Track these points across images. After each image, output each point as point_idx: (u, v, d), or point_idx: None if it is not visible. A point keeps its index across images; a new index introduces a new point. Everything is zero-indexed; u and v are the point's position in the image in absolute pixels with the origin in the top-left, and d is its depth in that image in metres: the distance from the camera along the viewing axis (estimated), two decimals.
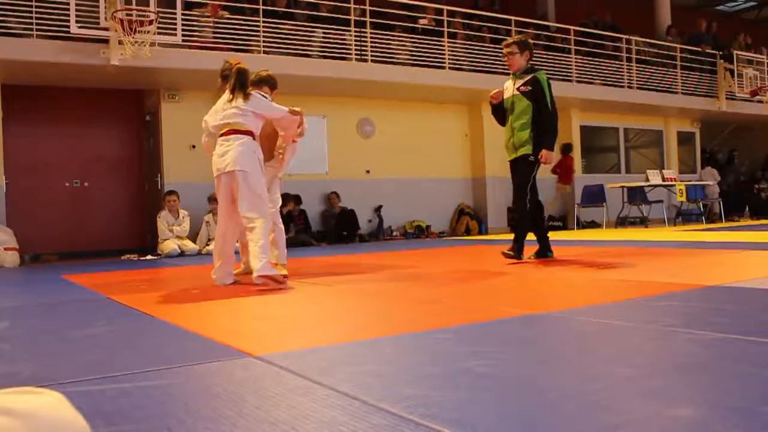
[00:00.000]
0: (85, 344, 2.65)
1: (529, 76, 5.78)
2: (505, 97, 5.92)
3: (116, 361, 2.29)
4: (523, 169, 5.84)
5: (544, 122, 5.72)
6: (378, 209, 12.07)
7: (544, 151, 5.72)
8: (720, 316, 2.69)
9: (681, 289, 3.57)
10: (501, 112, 6.03)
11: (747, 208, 16.12)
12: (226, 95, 4.82)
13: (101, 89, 10.56)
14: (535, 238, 5.93)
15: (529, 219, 5.83)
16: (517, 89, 5.80)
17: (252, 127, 4.75)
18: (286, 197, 10.21)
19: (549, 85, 5.76)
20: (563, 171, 13.58)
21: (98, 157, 11.09)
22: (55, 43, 8.61)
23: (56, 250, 10.12)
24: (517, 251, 5.73)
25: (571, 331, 2.58)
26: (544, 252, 5.91)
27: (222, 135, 4.76)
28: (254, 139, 4.75)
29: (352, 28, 10.93)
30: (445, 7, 11.91)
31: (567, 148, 13.79)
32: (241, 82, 4.76)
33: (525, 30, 13.07)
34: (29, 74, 9.40)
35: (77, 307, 4.00)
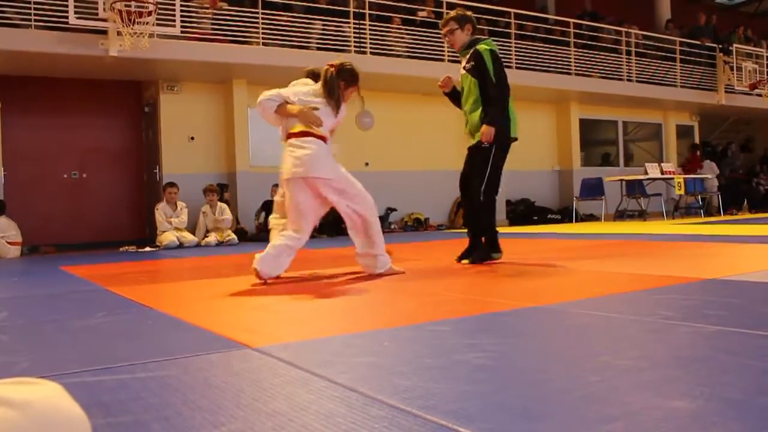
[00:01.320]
0: (84, 335, 2.65)
1: (470, 51, 5.17)
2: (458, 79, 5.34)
3: (115, 352, 2.29)
4: (473, 159, 5.21)
5: (488, 97, 5.03)
6: (389, 210, 12.06)
7: (483, 127, 5.01)
8: (718, 309, 2.69)
9: (679, 282, 3.57)
10: (456, 98, 5.48)
11: (745, 202, 16.13)
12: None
13: (100, 80, 10.54)
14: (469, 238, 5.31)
15: (492, 213, 5.23)
16: (463, 68, 5.24)
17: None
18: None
19: (493, 55, 5.09)
20: (691, 168, 14.73)
21: (97, 148, 11.08)
22: (54, 33, 8.59)
23: (54, 241, 10.12)
24: (481, 253, 5.13)
25: (569, 324, 2.58)
26: (484, 254, 5.15)
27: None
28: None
29: (351, 20, 10.92)
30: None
31: (694, 147, 15.52)
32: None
33: (524, 23, 13.07)
34: (28, 65, 9.39)
35: (76, 299, 4.00)
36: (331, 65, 4.59)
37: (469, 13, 5.43)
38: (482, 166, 5.12)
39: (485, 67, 5.06)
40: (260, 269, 4.20)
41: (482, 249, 5.17)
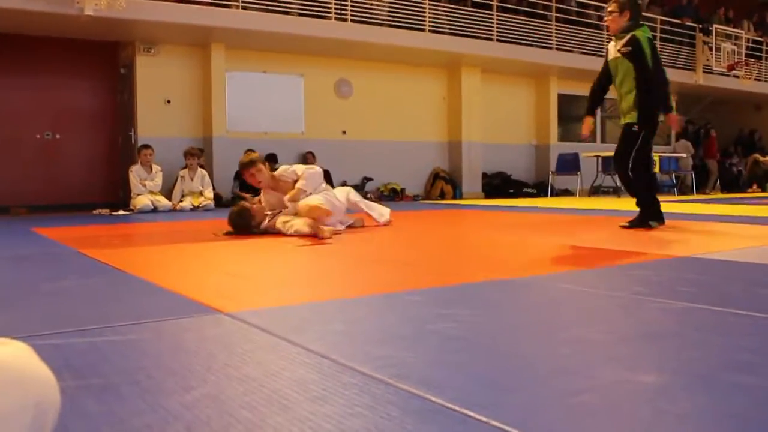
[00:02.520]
0: (55, 298, 2.63)
1: (628, 36, 5.37)
2: (609, 59, 5.59)
3: (86, 315, 2.27)
4: (624, 137, 5.47)
5: (647, 83, 5.31)
6: (365, 180, 12.05)
7: (671, 116, 5.48)
8: (687, 285, 2.73)
9: (651, 258, 3.61)
10: (595, 104, 5.89)
11: (718, 182, 16.33)
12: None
13: (74, 39, 10.33)
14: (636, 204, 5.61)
15: (644, 186, 5.50)
16: (618, 51, 5.45)
17: None
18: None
19: (651, 43, 5.35)
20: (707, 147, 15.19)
21: (71, 109, 10.90)
22: None
23: (26, 203, 9.98)
24: (638, 220, 5.46)
25: (542, 297, 2.60)
26: (640, 221, 5.48)
27: None
28: None
29: None
30: None
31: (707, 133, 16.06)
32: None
33: None
34: (0, 22, 9.17)
35: (47, 261, 3.96)
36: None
37: None
38: (628, 146, 5.42)
39: (643, 54, 5.28)
40: None
41: (642, 215, 5.47)
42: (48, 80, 10.68)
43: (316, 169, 5.40)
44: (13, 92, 10.42)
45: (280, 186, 5.35)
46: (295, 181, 5.29)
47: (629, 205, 9.49)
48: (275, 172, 5.46)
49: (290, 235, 4.91)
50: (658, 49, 5.75)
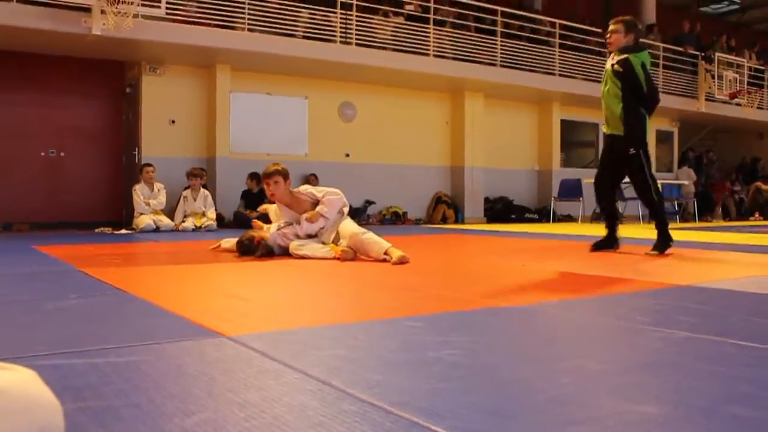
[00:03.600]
0: (56, 317, 2.63)
1: (623, 57, 5.58)
2: (606, 67, 5.82)
3: (87, 335, 2.27)
4: (632, 168, 5.68)
5: (641, 104, 5.57)
6: (367, 203, 12.07)
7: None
8: (690, 315, 2.73)
9: (652, 287, 3.61)
10: None
11: (720, 209, 16.34)
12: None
13: (81, 59, 10.41)
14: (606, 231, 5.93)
15: (657, 210, 5.73)
16: (611, 65, 5.69)
17: None
18: (252, 176, 10.19)
19: (644, 67, 5.54)
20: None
21: (76, 127, 10.96)
22: (36, 8, 8.48)
23: (29, 219, 10.01)
24: (658, 245, 5.62)
25: (542, 325, 2.60)
26: (660, 246, 5.64)
27: None
28: None
29: (338, 10, 10.87)
30: None
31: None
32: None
33: (511, 21, 13.10)
34: (7, 40, 9.25)
35: (48, 279, 3.96)
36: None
37: (637, 22, 6.05)
38: (640, 173, 5.64)
39: (635, 77, 5.49)
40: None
41: (664, 239, 5.63)
42: (54, 98, 10.75)
43: (339, 195, 5.29)
44: (19, 109, 10.49)
45: (295, 204, 5.31)
46: (315, 203, 5.28)
47: (632, 231, 9.49)
48: (295, 190, 5.44)
49: (301, 257, 4.93)
50: (657, 74, 6.05)
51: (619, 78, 5.57)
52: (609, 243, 5.89)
